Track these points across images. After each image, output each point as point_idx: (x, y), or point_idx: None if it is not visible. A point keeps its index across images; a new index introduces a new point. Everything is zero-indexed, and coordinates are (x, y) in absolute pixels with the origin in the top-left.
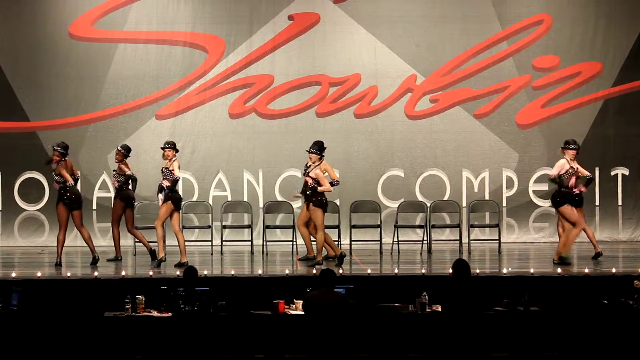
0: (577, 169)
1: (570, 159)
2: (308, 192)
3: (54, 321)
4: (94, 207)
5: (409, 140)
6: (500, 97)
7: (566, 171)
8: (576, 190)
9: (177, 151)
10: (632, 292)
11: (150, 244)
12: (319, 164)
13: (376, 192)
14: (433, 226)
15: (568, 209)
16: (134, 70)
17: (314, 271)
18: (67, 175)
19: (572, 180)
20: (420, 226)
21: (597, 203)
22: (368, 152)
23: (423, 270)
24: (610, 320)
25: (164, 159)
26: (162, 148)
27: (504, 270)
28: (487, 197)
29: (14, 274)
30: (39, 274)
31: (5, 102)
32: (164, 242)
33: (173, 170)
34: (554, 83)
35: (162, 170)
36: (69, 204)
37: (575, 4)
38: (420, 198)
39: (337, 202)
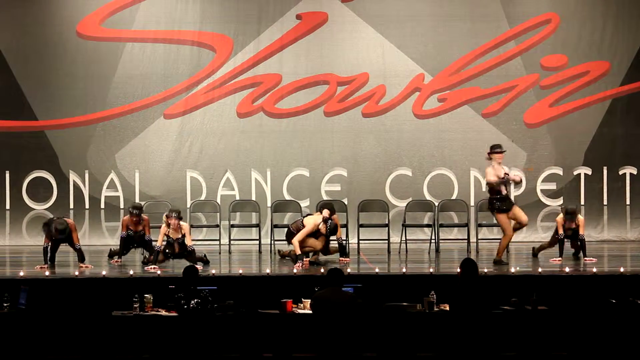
0: (507, 174)
1: (498, 164)
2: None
3: (62, 320)
4: (102, 206)
5: (416, 140)
6: (508, 96)
7: (500, 177)
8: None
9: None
10: None
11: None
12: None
13: (384, 191)
14: (441, 225)
15: (502, 217)
16: (142, 70)
17: (322, 270)
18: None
19: (503, 189)
20: (428, 225)
21: (605, 202)
22: (376, 152)
23: (431, 270)
24: (618, 320)
25: (169, 227)
26: (170, 216)
27: (512, 270)
28: None
29: (22, 273)
30: (46, 273)
31: (14, 101)
32: None
33: (186, 237)
34: (562, 82)
35: (173, 240)
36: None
37: (583, 3)
38: (428, 197)
39: (345, 201)
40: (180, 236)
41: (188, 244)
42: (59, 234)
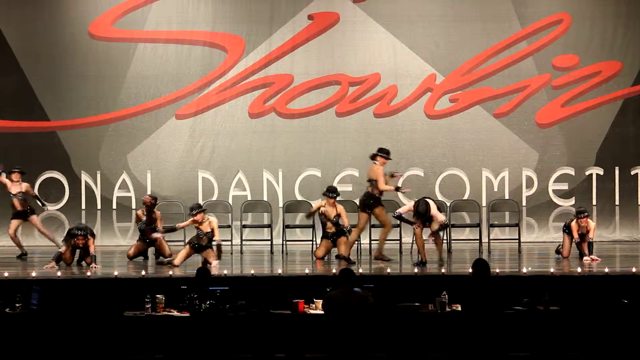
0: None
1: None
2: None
3: (74, 320)
4: (114, 206)
5: (428, 140)
6: (520, 96)
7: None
8: None
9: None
10: None
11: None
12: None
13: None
14: (453, 225)
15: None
16: (153, 70)
17: (334, 271)
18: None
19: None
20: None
21: (617, 202)
22: None
23: (443, 270)
24: (630, 320)
25: (194, 223)
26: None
27: (524, 270)
28: (506, 197)
29: (34, 274)
30: (59, 274)
31: (26, 102)
32: None
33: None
34: (573, 82)
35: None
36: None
37: (595, 3)
38: (440, 197)
39: (357, 201)
40: (209, 230)
41: (216, 238)
42: (79, 231)
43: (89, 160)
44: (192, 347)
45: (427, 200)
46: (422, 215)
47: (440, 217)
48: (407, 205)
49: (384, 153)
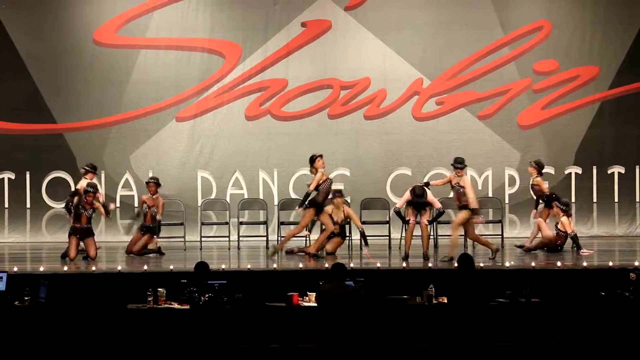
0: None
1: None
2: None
3: (80, 313)
4: (118, 204)
5: (416, 141)
6: (503, 99)
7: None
8: None
9: None
10: (627, 284)
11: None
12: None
13: (385, 190)
14: (439, 222)
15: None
16: (155, 75)
17: (326, 265)
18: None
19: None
20: (427, 222)
21: (594, 200)
22: (377, 152)
23: (430, 264)
24: (607, 311)
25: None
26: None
27: (507, 264)
28: (490, 195)
29: (42, 268)
30: (65, 268)
31: (34, 106)
32: None
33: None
34: (553, 86)
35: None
36: None
37: (574, 11)
38: None
39: (348, 199)
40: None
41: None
42: (90, 188)
43: (94, 161)
44: (192, 338)
45: (423, 186)
46: (419, 197)
47: (437, 203)
48: (403, 197)
49: (457, 163)
